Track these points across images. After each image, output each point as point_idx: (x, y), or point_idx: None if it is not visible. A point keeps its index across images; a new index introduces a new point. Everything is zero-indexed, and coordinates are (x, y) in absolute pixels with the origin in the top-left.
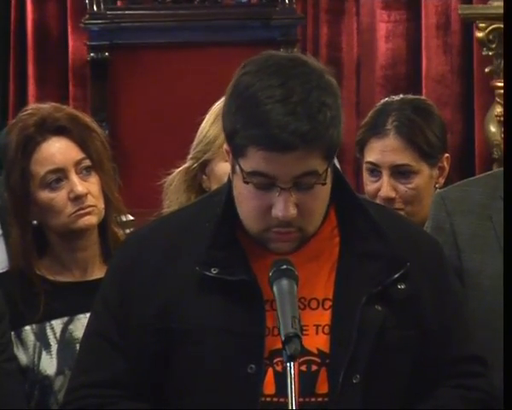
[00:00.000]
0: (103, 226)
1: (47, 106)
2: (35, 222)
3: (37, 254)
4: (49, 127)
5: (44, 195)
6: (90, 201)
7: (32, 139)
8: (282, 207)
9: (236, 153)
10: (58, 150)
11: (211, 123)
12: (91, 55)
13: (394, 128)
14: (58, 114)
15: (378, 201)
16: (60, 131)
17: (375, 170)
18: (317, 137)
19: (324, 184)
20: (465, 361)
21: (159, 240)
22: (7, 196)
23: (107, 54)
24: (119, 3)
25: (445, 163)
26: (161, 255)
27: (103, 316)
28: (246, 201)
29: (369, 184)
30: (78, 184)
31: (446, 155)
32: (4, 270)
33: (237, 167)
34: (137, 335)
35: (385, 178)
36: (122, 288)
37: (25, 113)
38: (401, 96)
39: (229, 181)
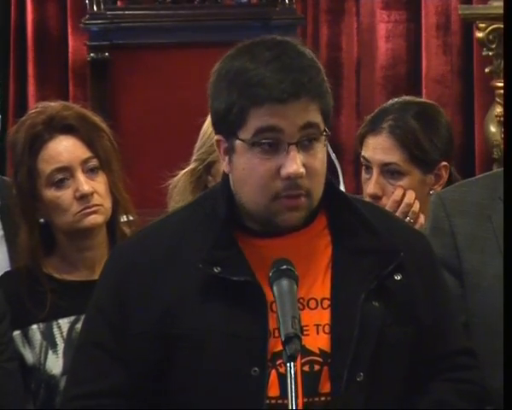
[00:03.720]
0: (112, 226)
1: (56, 104)
2: (42, 220)
3: (45, 252)
4: (56, 126)
5: (50, 193)
6: (96, 200)
7: (39, 137)
8: (292, 163)
9: (235, 126)
10: (65, 149)
11: None
12: (91, 55)
13: (388, 127)
14: (66, 112)
15: (366, 198)
16: (67, 129)
17: (368, 166)
18: (315, 87)
19: (325, 136)
20: (456, 355)
21: (153, 245)
22: (15, 194)
23: (107, 54)
24: (119, 3)
25: (443, 171)
26: (157, 260)
27: (98, 324)
28: (251, 172)
29: (365, 182)
30: (84, 183)
31: (444, 163)
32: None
33: (237, 142)
34: (137, 342)
35: (374, 175)
36: (118, 293)
37: (34, 111)
38: (410, 97)
39: (224, 181)
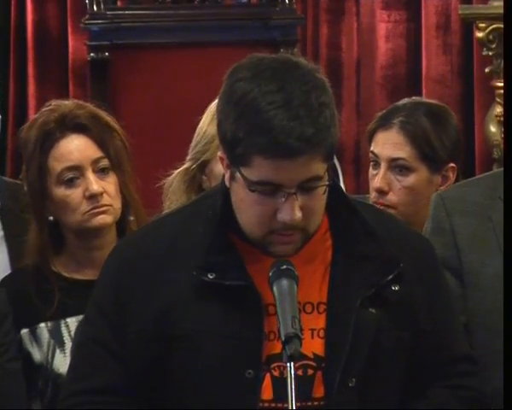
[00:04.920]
0: (121, 226)
1: (69, 103)
2: (51, 218)
3: (54, 250)
4: (68, 124)
5: (60, 191)
6: (105, 200)
7: (51, 135)
8: (289, 211)
9: (238, 161)
10: (76, 148)
11: (208, 123)
12: (91, 55)
13: (399, 123)
14: (79, 111)
15: (372, 192)
16: (79, 128)
17: (376, 162)
18: (321, 139)
19: (326, 185)
20: (457, 361)
21: (153, 243)
22: (26, 191)
23: (107, 54)
24: (119, 3)
25: (450, 173)
26: (156, 260)
27: (98, 322)
28: (249, 207)
29: (372, 179)
30: (94, 183)
31: (452, 164)
32: (6, 271)
33: (238, 175)
34: (135, 340)
35: (382, 170)
36: (118, 292)
37: (47, 108)
38: (420, 98)
39: (223, 185)
